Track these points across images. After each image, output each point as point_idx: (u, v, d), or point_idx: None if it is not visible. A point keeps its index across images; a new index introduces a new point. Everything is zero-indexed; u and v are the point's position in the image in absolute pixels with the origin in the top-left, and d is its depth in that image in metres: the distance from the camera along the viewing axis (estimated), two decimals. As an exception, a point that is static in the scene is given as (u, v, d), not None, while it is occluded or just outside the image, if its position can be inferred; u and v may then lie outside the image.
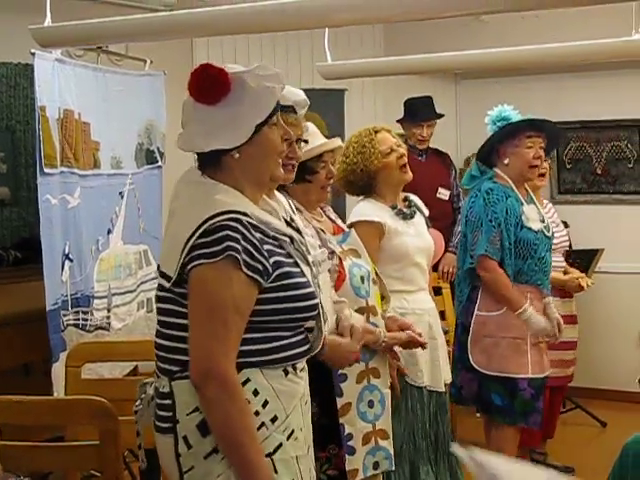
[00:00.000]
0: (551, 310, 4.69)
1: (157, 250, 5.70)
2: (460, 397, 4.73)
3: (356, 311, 3.47)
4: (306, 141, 3.30)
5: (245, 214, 2.46)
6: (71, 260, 4.84)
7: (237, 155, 2.53)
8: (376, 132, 4.13)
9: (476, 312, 4.60)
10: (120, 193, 5.40)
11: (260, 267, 2.44)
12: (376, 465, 3.57)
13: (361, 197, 4.21)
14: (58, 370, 4.49)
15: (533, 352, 4.55)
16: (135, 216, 5.53)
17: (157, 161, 5.80)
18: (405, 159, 4.13)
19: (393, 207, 4.12)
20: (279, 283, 2.48)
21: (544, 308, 4.66)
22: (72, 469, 3.40)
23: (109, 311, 5.19)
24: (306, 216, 3.45)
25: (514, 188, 4.61)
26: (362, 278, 3.57)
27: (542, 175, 4.96)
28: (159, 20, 4.30)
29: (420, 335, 3.77)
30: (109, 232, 5.26)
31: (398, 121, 6.37)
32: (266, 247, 2.47)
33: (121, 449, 3.11)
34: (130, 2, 5.65)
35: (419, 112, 6.36)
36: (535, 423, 4.67)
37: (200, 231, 2.41)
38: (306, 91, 3.35)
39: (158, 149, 5.79)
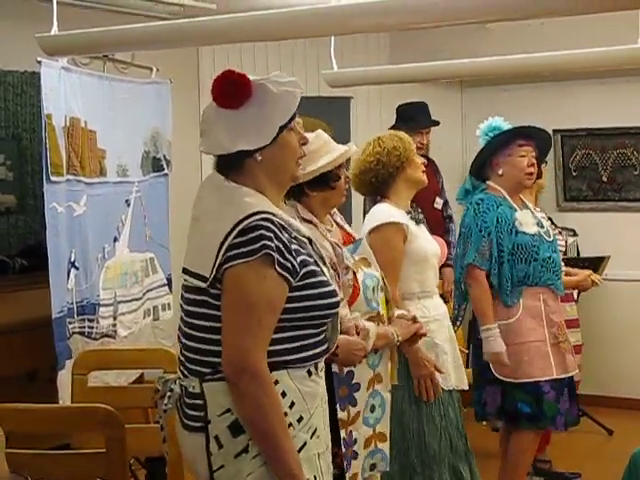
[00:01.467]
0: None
1: (163, 258, 5.71)
2: (484, 413, 4.73)
3: (367, 320, 3.48)
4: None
5: (274, 214, 2.56)
6: (77, 268, 4.84)
7: (260, 158, 2.62)
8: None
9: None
10: (126, 201, 5.41)
11: (290, 266, 2.52)
12: (373, 466, 3.60)
13: (377, 200, 4.23)
14: (64, 378, 4.50)
15: (554, 353, 4.54)
16: (141, 224, 5.53)
17: (163, 169, 5.80)
18: (423, 166, 4.21)
19: (408, 212, 4.15)
20: (305, 282, 2.57)
21: (561, 310, 4.68)
22: (78, 477, 3.39)
23: (115, 319, 5.18)
24: (322, 231, 3.46)
25: (506, 196, 4.61)
26: (373, 289, 3.58)
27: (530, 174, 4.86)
28: (165, 29, 4.30)
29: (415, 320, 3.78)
30: (115, 240, 5.26)
31: (393, 127, 6.28)
32: (293, 247, 2.56)
33: (127, 457, 3.11)
34: (136, 11, 5.66)
35: (417, 119, 6.31)
36: (560, 425, 4.66)
37: (236, 231, 2.49)
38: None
39: (164, 157, 5.79)
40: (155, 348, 4.68)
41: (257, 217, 2.50)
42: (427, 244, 4.17)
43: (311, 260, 2.62)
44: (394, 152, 4.09)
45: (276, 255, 2.49)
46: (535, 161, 4.64)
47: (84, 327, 4.89)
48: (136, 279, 5.45)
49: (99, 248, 5.08)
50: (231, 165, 2.64)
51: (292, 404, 2.56)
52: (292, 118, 2.67)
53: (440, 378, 4.05)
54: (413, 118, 6.25)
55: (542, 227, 4.63)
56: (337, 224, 3.69)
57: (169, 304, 5.72)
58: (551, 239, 4.64)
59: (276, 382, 2.53)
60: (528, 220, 4.59)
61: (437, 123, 6.40)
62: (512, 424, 4.70)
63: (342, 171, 3.51)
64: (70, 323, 4.75)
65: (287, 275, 2.52)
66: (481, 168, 4.72)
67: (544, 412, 4.53)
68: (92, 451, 3.12)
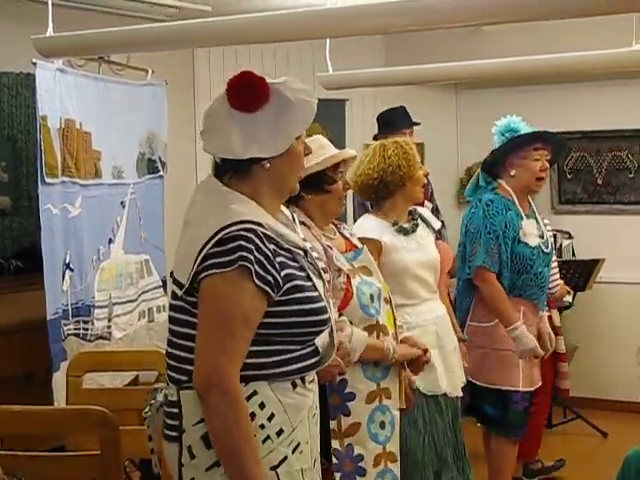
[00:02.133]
0: (544, 324, 4.73)
1: (158, 260, 5.71)
2: None
3: (364, 329, 3.43)
4: None
5: (260, 224, 2.45)
6: (72, 269, 4.83)
7: (268, 165, 2.53)
8: (406, 144, 4.15)
9: (468, 322, 4.63)
10: (121, 203, 5.40)
11: (271, 279, 2.43)
12: None
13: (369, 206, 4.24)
14: (59, 379, 4.49)
15: (524, 365, 4.55)
16: (136, 226, 5.53)
17: (159, 171, 5.80)
18: (425, 180, 4.18)
19: (394, 223, 4.12)
20: (289, 297, 2.47)
21: (538, 322, 4.68)
22: (72, 479, 3.39)
23: (110, 321, 5.18)
24: (315, 232, 3.42)
25: (515, 201, 4.61)
26: (371, 296, 3.52)
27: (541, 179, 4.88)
28: (161, 30, 4.30)
29: (426, 351, 3.72)
30: (110, 242, 5.25)
31: (375, 137, 6.23)
32: (279, 259, 2.46)
33: (122, 459, 3.10)
34: (132, 12, 5.66)
35: (394, 122, 6.27)
36: (522, 437, 4.73)
37: (214, 240, 2.40)
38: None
39: (160, 159, 5.79)
40: (150, 350, 4.67)
41: (238, 227, 2.41)
42: (410, 255, 4.09)
43: (301, 274, 2.52)
44: (398, 172, 4.05)
45: (255, 267, 2.39)
46: (548, 165, 4.64)
47: (79, 329, 4.89)
48: (131, 281, 5.45)
49: (94, 250, 5.08)
50: (236, 169, 2.55)
51: (272, 416, 2.46)
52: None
53: (423, 383, 3.98)
54: (391, 123, 6.20)
55: (542, 238, 4.63)
56: (342, 235, 3.66)
57: (164, 306, 5.71)
58: (548, 251, 4.65)
59: (254, 392, 2.45)
60: (532, 231, 4.58)
61: (416, 124, 6.36)
62: (481, 424, 4.78)
63: (339, 175, 3.48)
64: (65, 325, 4.75)
65: (267, 289, 2.42)
66: (493, 165, 4.70)
67: (509, 419, 4.59)
68: (87, 453, 3.11)
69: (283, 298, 2.46)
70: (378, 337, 3.51)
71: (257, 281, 2.40)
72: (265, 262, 2.42)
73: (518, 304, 4.56)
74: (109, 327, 5.17)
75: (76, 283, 4.88)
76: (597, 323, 7.07)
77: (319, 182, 3.38)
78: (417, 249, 4.14)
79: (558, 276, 5.36)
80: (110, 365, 4.21)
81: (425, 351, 3.67)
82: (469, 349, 4.54)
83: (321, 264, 2.77)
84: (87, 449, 3.22)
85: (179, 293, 2.49)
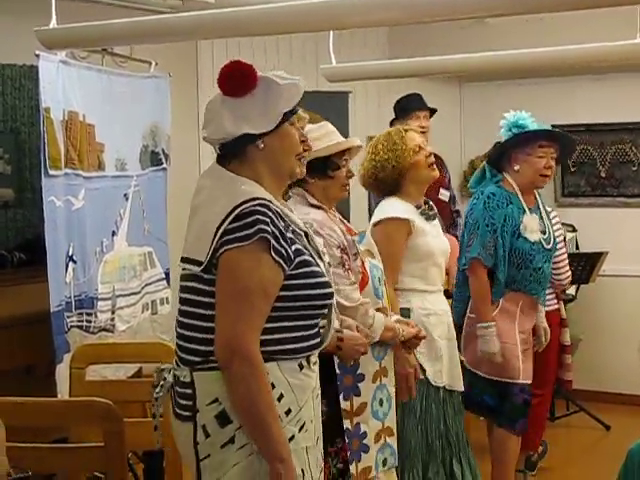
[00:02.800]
0: (540, 319, 4.74)
1: (162, 252, 5.71)
2: None
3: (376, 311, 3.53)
4: None
5: (271, 201, 2.58)
6: (75, 262, 4.83)
7: (261, 145, 2.65)
8: (405, 131, 4.20)
9: (467, 313, 4.62)
10: (125, 195, 5.40)
11: (284, 253, 2.54)
12: (385, 462, 3.64)
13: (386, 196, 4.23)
14: (62, 372, 4.50)
15: (523, 358, 4.56)
16: (140, 218, 5.53)
17: (162, 163, 5.80)
18: (432, 158, 4.21)
19: (417, 207, 4.14)
20: (299, 271, 2.58)
21: (535, 318, 4.69)
22: (76, 471, 3.40)
23: (113, 313, 5.18)
24: (331, 215, 3.50)
25: (519, 195, 4.60)
26: (379, 279, 3.64)
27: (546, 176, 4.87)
28: (164, 22, 4.29)
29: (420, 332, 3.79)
30: (113, 234, 5.25)
31: (392, 122, 6.28)
32: (289, 235, 2.58)
33: (125, 451, 3.11)
34: (135, 4, 5.65)
35: (412, 105, 6.31)
36: (523, 430, 4.72)
37: (232, 216, 2.52)
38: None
39: (163, 151, 5.78)
40: (153, 342, 4.68)
41: (254, 203, 2.53)
42: (434, 241, 4.15)
43: (306, 251, 2.63)
44: (388, 165, 4.08)
45: (272, 240, 2.51)
46: (553, 163, 4.63)
47: (82, 321, 4.89)
48: (134, 273, 5.45)
49: (97, 242, 5.08)
50: (233, 153, 2.67)
51: (281, 396, 2.57)
52: (294, 112, 2.72)
53: (430, 374, 4.04)
54: (405, 107, 6.24)
55: (545, 233, 4.62)
56: (341, 220, 3.69)
57: (167, 298, 5.72)
58: (549, 246, 4.64)
59: (266, 374, 2.54)
60: (533, 226, 4.57)
61: (430, 108, 6.37)
62: (480, 414, 4.79)
63: (343, 163, 3.51)
64: (68, 317, 4.75)
65: (281, 262, 2.53)
66: (499, 159, 4.70)
67: (505, 410, 4.59)
68: (90, 445, 3.12)
69: (294, 272, 2.58)
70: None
71: (274, 254, 2.52)
72: (279, 236, 2.54)
73: (517, 298, 4.56)
74: (112, 319, 5.17)
75: (79, 275, 4.88)
76: (600, 316, 7.07)
77: (323, 167, 3.43)
78: (437, 236, 4.19)
79: (568, 267, 5.31)
80: (113, 357, 4.20)
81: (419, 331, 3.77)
82: (469, 340, 4.55)
83: (321, 247, 2.84)
84: (90, 441, 3.22)
85: (197, 271, 2.56)
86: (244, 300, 2.50)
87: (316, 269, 2.63)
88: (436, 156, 6.63)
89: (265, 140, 2.65)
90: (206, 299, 2.56)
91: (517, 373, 4.54)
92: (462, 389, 4.25)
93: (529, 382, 4.63)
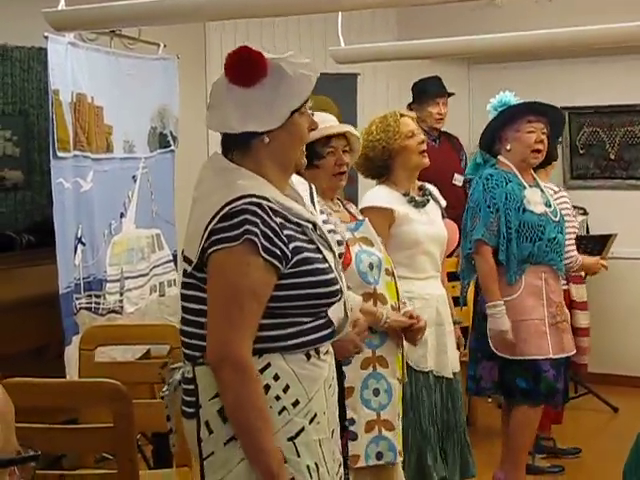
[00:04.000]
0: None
1: (169, 234, 5.72)
2: (478, 389, 4.74)
3: (362, 295, 3.45)
4: None
5: (266, 198, 2.46)
6: (83, 244, 4.84)
7: (267, 140, 2.54)
8: (401, 115, 4.18)
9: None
10: (133, 177, 5.41)
11: (278, 252, 2.44)
12: (379, 455, 3.59)
13: (376, 183, 4.23)
14: (71, 353, 4.51)
15: (552, 332, 4.55)
16: (148, 200, 5.54)
17: (170, 145, 5.80)
18: (425, 145, 4.18)
19: (405, 194, 4.13)
20: (298, 269, 2.48)
21: (560, 289, 4.69)
22: (85, 451, 3.43)
23: (122, 295, 5.20)
24: (331, 205, 3.50)
25: (517, 173, 4.60)
26: (371, 265, 3.57)
27: (538, 151, 4.71)
28: (172, 4, 4.28)
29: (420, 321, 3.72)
30: (122, 216, 5.26)
31: (409, 105, 6.33)
32: (286, 232, 2.48)
33: (134, 432, 3.12)
34: (143, -14, 5.63)
35: (427, 90, 6.32)
36: (558, 403, 4.73)
37: (219, 216, 2.42)
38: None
39: (171, 133, 5.78)
40: (161, 324, 4.69)
41: (245, 201, 2.42)
42: (423, 228, 4.11)
43: (310, 247, 2.53)
44: (378, 145, 4.08)
45: (261, 241, 2.40)
46: (545, 138, 4.62)
47: (91, 303, 4.90)
48: (142, 255, 5.45)
49: (106, 224, 5.09)
50: (236, 145, 2.57)
51: (287, 387, 2.48)
52: (305, 102, 2.59)
53: (413, 359, 3.97)
54: (424, 91, 6.26)
55: (549, 207, 4.62)
56: (347, 210, 3.72)
57: (175, 280, 5.72)
58: (557, 219, 4.63)
59: (268, 365, 2.47)
60: (536, 199, 4.58)
61: (450, 94, 6.37)
62: (509, 399, 4.73)
63: (327, 151, 3.49)
64: (77, 299, 4.76)
65: (275, 262, 2.43)
66: (492, 143, 4.70)
67: (540, 389, 4.55)
68: (99, 426, 3.12)
69: (292, 270, 2.48)
70: (375, 305, 3.57)
71: (264, 254, 2.42)
72: (272, 235, 2.43)
73: (539, 271, 4.56)
74: (121, 301, 5.19)
75: (88, 257, 4.89)
76: (609, 298, 7.05)
77: (309, 157, 3.34)
78: (428, 223, 4.15)
79: (572, 248, 5.29)
80: (122, 339, 4.21)
81: (419, 321, 3.68)
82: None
83: (337, 237, 2.78)
84: (100, 422, 3.23)
85: (189, 270, 2.51)
86: (233, 303, 2.42)
87: (320, 266, 2.52)
88: (452, 136, 6.66)
89: (271, 135, 2.54)
90: (202, 294, 2.50)
91: (547, 349, 4.52)
92: (451, 376, 4.17)
93: (563, 356, 4.60)
